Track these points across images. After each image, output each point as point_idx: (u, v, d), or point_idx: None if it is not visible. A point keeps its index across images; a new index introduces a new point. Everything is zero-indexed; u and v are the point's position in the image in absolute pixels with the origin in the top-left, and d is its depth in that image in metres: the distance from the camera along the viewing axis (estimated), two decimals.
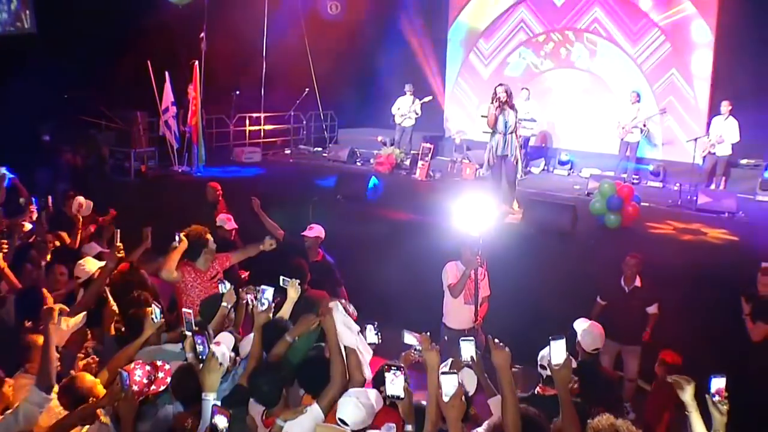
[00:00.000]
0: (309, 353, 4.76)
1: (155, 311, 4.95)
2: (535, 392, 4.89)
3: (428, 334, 4.16)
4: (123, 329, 5.33)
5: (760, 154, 14.12)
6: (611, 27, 16.15)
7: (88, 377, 4.26)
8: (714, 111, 14.15)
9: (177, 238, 6.28)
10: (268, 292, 4.79)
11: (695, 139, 13.08)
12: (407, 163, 14.92)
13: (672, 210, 12.03)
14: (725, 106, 12.98)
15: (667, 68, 15.56)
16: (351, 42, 17.59)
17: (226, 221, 8.69)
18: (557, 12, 16.79)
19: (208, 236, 6.50)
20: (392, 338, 4.78)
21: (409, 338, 4.55)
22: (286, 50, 16.51)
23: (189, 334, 4.61)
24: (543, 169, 15.83)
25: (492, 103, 10.62)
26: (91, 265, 6.31)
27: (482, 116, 13.46)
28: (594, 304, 7.56)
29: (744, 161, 14.21)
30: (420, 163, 14.23)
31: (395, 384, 3.80)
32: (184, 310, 4.94)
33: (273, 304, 4.83)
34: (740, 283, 7.39)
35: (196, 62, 13.33)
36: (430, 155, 14.34)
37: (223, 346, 4.30)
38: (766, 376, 6.44)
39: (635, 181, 14.21)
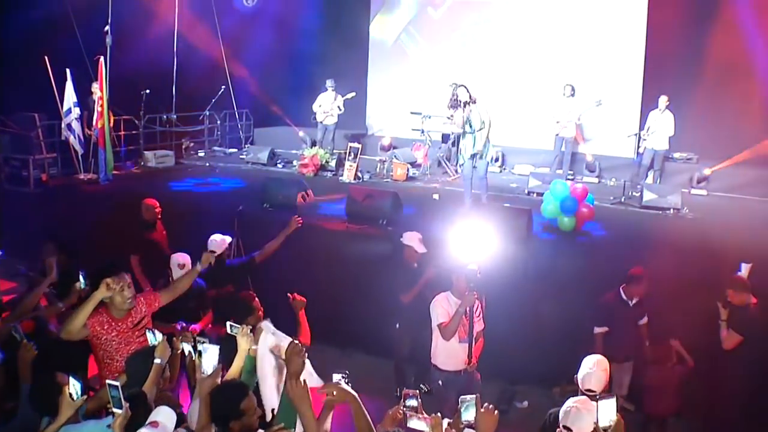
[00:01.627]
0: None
1: (74, 387, 3.80)
2: None
3: (439, 415, 3.66)
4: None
5: (691, 147, 14.15)
6: (541, 18, 15.79)
7: None
8: (646, 105, 14.06)
9: (81, 278, 5.22)
10: (211, 352, 3.88)
11: (637, 134, 13.01)
12: (333, 164, 14.05)
13: (617, 208, 11.68)
14: (663, 101, 12.79)
15: (600, 62, 15.28)
16: (266, 35, 16.72)
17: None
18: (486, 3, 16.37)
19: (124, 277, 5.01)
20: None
21: (417, 424, 3.71)
22: (198, 45, 15.46)
23: (118, 411, 3.56)
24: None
25: (454, 107, 10.62)
26: None
27: (447, 120, 13.26)
28: (594, 338, 6.89)
29: (677, 155, 14.08)
30: (348, 164, 13.37)
31: None
32: (108, 382, 3.73)
33: (220, 366, 3.93)
34: (713, 288, 6.96)
35: (101, 58, 11.97)
36: (358, 155, 13.49)
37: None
38: (735, 385, 6.41)
39: (570, 176, 13.88)
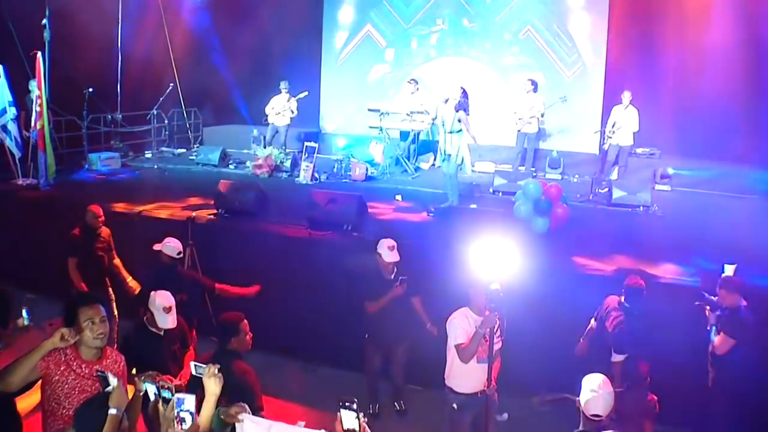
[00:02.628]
0: None
1: None
2: None
3: None
4: None
5: (653, 142, 13.99)
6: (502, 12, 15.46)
7: None
8: (609, 101, 14.01)
9: (24, 312, 4.50)
10: (188, 402, 3.33)
11: (602, 130, 12.85)
12: (287, 164, 13.42)
13: (586, 206, 11.34)
14: (626, 96, 12.63)
15: (561, 57, 15.06)
16: (216, 30, 16.09)
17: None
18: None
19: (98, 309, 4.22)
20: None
21: None
22: (144, 40, 14.65)
23: None
24: (432, 165, 14.73)
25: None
26: None
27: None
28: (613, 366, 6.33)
29: (640, 150, 13.91)
30: (304, 164, 12.77)
31: None
32: None
33: (197, 425, 3.38)
34: (699, 292, 6.71)
35: (39, 54, 11.12)
36: (315, 155, 12.90)
37: None
38: (729, 391, 6.18)
39: (534, 173, 13.60)
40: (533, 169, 13.82)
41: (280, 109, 14.29)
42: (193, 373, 3.76)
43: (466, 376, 5.67)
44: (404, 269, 6.90)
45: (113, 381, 3.65)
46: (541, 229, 8.88)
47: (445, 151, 10.59)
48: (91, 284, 7.80)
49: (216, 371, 3.73)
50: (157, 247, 7.01)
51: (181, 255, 7.15)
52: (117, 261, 8.14)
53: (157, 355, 5.27)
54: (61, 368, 4.06)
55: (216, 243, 8.82)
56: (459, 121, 10.20)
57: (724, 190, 12.90)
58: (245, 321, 4.99)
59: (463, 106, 10.24)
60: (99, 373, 3.77)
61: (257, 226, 9.14)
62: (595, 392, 4.45)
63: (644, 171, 13.67)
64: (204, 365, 3.76)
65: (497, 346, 5.58)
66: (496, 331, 5.50)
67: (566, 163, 14.18)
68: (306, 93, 14.43)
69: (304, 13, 17.16)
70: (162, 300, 5.43)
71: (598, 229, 9.78)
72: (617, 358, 6.23)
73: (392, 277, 6.82)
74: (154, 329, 5.43)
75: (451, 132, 10.35)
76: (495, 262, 4.94)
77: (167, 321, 5.39)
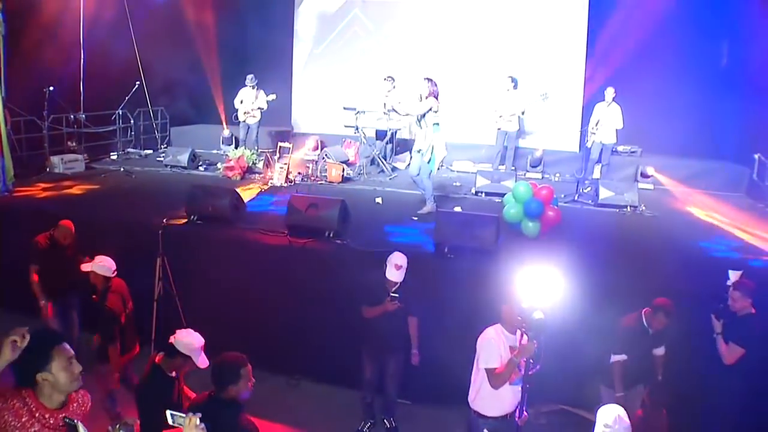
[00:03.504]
0: None
1: None
2: None
3: None
4: None
5: (634, 140, 13.80)
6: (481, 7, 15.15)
7: None
8: (588, 98, 13.99)
9: None
10: None
11: (586, 128, 12.60)
12: (260, 165, 12.88)
13: (573, 207, 10.95)
14: (609, 93, 12.40)
15: (541, 53, 14.78)
16: (184, 25, 15.54)
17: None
18: None
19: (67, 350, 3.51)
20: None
21: None
22: (108, 36, 13.86)
23: None
24: (408, 164, 14.26)
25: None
26: None
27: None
28: (613, 366, 6.10)
29: (621, 148, 13.68)
30: (278, 165, 12.21)
31: None
32: None
33: None
34: (705, 298, 6.48)
35: None
36: (290, 156, 12.39)
37: None
38: (739, 401, 5.92)
39: (515, 173, 13.10)
40: (513, 168, 13.43)
41: (249, 106, 13.85)
42: (170, 422, 3.20)
43: (496, 401, 5.26)
44: (406, 287, 6.52)
45: (79, 426, 3.19)
46: (532, 234, 8.49)
47: (412, 149, 10.12)
48: (55, 292, 7.36)
49: (198, 422, 3.15)
50: (86, 267, 6.38)
51: (115, 274, 6.47)
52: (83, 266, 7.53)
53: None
54: (23, 419, 3.38)
55: (188, 252, 8.26)
56: (433, 111, 9.59)
57: (707, 188, 12.79)
58: (249, 366, 4.32)
59: (433, 93, 9.64)
60: (67, 421, 3.27)
61: (233, 234, 8.52)
62: (609, 428, 4.03)
63: (627, 169, 13.50)
64: (183, 415, 3.19)
65: (533, 371, 5.00)
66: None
67: (546, 162, 13.86)
68: (273, 96, 13.96)
69: (275, 3, 16.62)
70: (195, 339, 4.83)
71: (592, 232, 9.34)
72: (617, 358, 6.03)
73: (393, 291, 6.42)
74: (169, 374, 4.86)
75: (420, 123, 9.71)
76: (540, 289, 4.47)
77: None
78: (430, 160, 9.82)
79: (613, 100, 12.30)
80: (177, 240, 8.29)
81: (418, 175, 9.97)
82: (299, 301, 7.77)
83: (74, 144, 13.85)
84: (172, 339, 4.73)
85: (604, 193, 10.74)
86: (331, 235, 8.09)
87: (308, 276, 7.78)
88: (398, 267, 6.39)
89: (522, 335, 4.83)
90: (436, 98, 9.64)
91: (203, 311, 7.63)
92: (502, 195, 10.78)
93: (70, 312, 7.65)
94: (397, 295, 6.40)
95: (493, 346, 5.14)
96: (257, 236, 8.35)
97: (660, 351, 6.20)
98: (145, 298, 7.80)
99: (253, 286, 7.94)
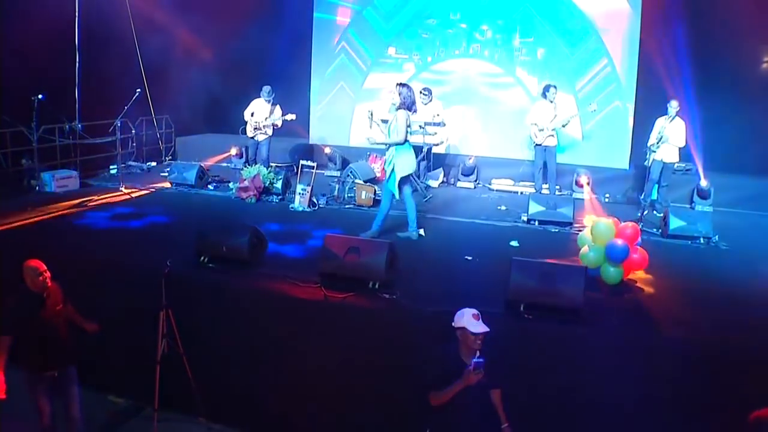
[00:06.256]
0: None
1: None
2: None
3: None
4: None
5: (689, 157, 12.31)
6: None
7: None
8: (642, 112, 12.96)
9: None
10: None
11: (650, 146, 11.16)
12: (278, 185, 11.44)
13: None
14: (673, 106, 10.97)
15: (589, 64, 13.50)
16: (191, 28, 14.36)
17: None
18: None
19: None
20: None
21: None
22: (108, 38, 12.72)
23: None
24: (443, 182, 13.15)
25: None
26: None
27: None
28: None
29: (676, 166, 12.14)
30: (299, 187, 10.73)
31: None
32: None
33: None
34: None
35: None
36: (313, 176, 10.97)
37: None
38: None
39: (559, 192, 12.31)
40: (558, 187, 12.26)
41: (262, 121, 12.61)
42: None
43: None
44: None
45: None
46: (613, 281, 7.09)
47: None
48: (46, 360, 5.79)
49: None
50: None
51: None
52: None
53: None
54: None
55: (197, 303, 6.84)
56: (405, 126, 8.57)
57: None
58: None
59: (405, 104, 8.61)
60: None
61: (252, 282, 7.03)
62: None
63: (680, 189, 12.13)
64: None
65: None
66: None
67: (594, 180, 12.48)
68: (293, 116, 12.67)
69: (294, 7, 15.34)
70: None
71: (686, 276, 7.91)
72: None
73: (474, 358, 4.85)
74: None
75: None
76: None
77: None
78: (390, 179, 8.79)
79: (677, 114, 10.92)
80: (182, 287, 6.76)
81: (407, 196, 9.02)
82: (337, 370, 6.32)
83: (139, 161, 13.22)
84: None
85: (675, 223, 9.40)
86: (377, 285, 6.67)
87: (347, 339, 6.35)
88: (476, 316, 4.92)
89: None
90: (410, 109, 8.58)
91: (216, 374, 6.28)
92: (559, 224, 9.71)
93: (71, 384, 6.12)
94: (482, 360, 4.88)
95: None
96: (283, 287, 6.85)
97: None
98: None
99: (276, 347, 6.54)
